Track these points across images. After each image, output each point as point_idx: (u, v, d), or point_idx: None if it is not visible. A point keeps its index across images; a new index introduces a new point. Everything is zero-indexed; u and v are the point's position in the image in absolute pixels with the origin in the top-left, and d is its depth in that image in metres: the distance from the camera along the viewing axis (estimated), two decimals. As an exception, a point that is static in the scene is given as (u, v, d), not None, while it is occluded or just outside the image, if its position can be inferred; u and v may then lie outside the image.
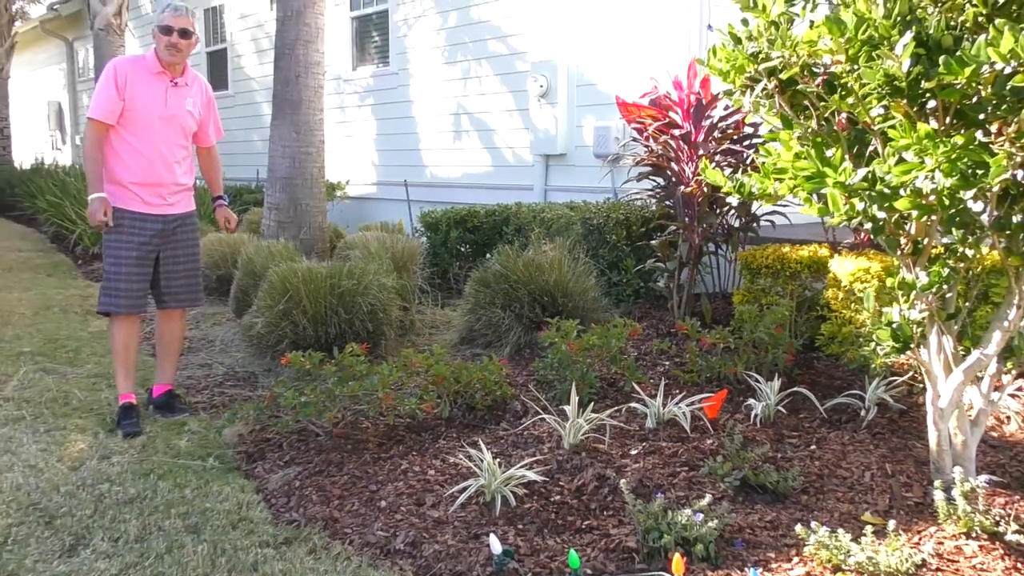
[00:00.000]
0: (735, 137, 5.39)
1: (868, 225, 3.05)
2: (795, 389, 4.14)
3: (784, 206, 5.47)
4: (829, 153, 3.09)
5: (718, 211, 5.46)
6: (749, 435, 3.73)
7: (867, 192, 2.89)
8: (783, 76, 3.09)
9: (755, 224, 5.59)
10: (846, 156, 3.04)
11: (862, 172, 2.92)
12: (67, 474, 3.60)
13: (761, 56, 3.15)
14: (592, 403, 3.98)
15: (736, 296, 5.25)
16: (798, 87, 3.11)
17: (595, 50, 7.63)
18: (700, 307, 5.53)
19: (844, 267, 4.71)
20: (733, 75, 3.36)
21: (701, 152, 5.18)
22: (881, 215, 2.98)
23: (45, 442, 3.99)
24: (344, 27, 10.77)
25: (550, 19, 8.01)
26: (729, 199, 5.54)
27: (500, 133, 8.71)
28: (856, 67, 2.78)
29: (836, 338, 4.66)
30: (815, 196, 3.16)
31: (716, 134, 5.24)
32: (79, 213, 10.30)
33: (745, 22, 3.22)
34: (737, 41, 3.22)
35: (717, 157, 5.24)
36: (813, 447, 3.63)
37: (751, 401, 4.05)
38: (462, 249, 7.13)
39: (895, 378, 4.17)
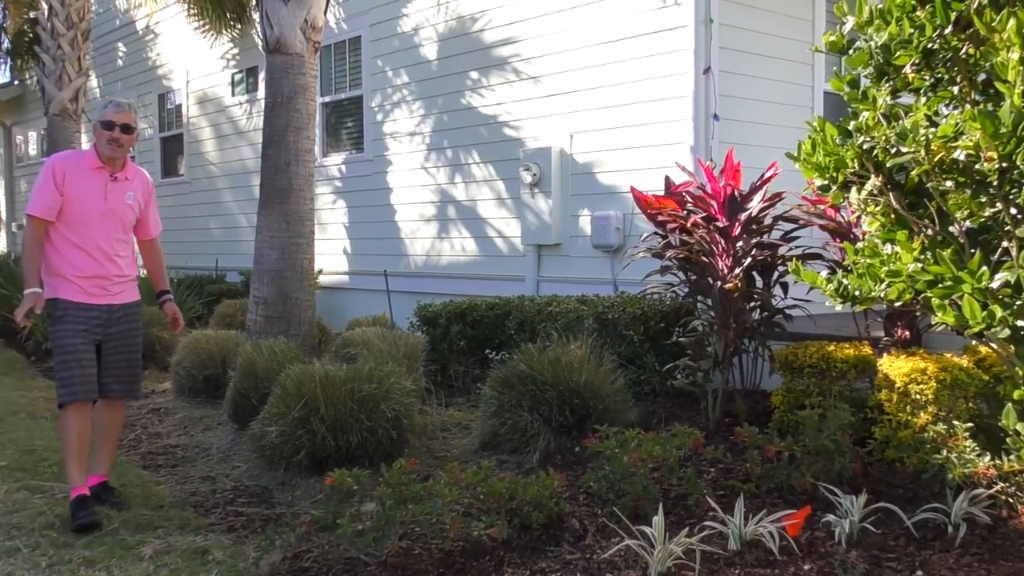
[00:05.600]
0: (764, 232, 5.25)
1: (1005, 333, 2.82)
2: (881, 504, 3.85)
3: (807, 301, 5.33)
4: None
5: (750, 307, 5.27)
6: (842, 558, 3.43)
7: (1013, 300, 2.68)
8: (914, 173, 2.88)
9: (781, 317, 5.40)
10: (983, 261, 2.83)
11: (1000, 277, 2.72)
12: (90, 624, 3.14)
13: (876, 151, 2.95)
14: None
15: (776, 397, 5.00)
16: (927, 184, 2.91)
17: (591, 139, 7.49)
18: (734, 407, 5.28)
19: (896, 367, 4.51)
20: (832, 170, 3.17)
21: (740, 244, 4.98)
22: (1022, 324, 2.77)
23: (53, 581, 3.51)
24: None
25: (543, 107, 7.87)
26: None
27: (489, 222, 8.48)
28: (1006, 164, 2.59)
29: (891, 442, 4.43)
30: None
31: (752, 227, 5.06)
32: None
33: (855, 114, 3.04)
34: (847, 135, 3.03)
35: (754, 251, 5.04)
36: (920, 573, 3.34)
37: (829, 517, 3.76)
38: (461, 344, 6.79)
39: (979, 490, 3.92)
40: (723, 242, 5.05)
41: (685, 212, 5.35)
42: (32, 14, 14.99)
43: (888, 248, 3.09)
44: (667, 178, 5.80)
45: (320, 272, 9.99)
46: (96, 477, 4.57)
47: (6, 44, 18.98)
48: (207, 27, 11.96)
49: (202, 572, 3.63)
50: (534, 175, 7.72)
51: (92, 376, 4.42)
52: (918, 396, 4.37)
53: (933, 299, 2.82)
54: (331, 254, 10.30)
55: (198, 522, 4.24)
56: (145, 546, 3.92)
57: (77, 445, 4.36)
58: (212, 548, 3.88)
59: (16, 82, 19.27)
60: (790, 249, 5.40)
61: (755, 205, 5.04)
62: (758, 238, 5.18)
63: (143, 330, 4.78)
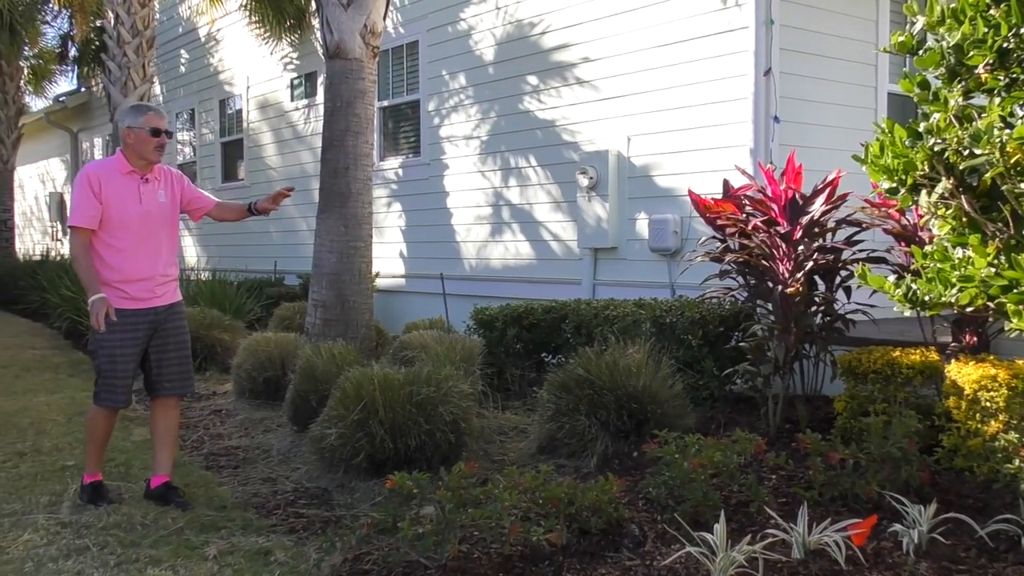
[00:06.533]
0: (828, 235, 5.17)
1: (1084, 340, 2.74)
2: (950, 515, 3.76)
3: (870, 305, 5.22)
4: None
5: (812, 311, 5.18)
6: (911, 569, 3.35)
7: (1093, 305, 2.60)
8: (987, 175, 2.81)
9: (840, 322, 5.30)
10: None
11: (1078, 282, 2.64)
12: (156, 622, 3.18)
13: (948, 153, 2.88)
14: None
15: (839, 403, 4.91)
16: (1001, 187, 2.83)
17: (649, 142, 7.44)
18: (794, 413, 5.20)
19: (965, 373, 4.39)
20: (901, 172, 3.10)
21: (802, 248, 4.91)
22: (1102, 330, 2.69)
23: (121, 580, 3.57)
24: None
25: (600, 110, 7.84)
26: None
27: (545, 225, 8.48)
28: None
29: (960, 451, 4.32)
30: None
31: (814, 231, 4.98)
32: (97, 308, 9.90)
33: (926, 116, 2.97)
34: (916, 136, 2.96)
35: (816, 255, 4.97)
36: (995, 586, 3.25)
37: (896, 526, 3.68)
38: (517, 348, 6.79)
39: (1052, 500, 3.81)
40: (784, 246, 4.98)
41: (744, 215, 5.29)
42: (98, 23, 15.37)
43: (959, 252, 3.02)
44: (726, 181, 5.73)
45: (377, 275, 10.07)
46: (160, 477, 4.71)
47: (73, 52, 19.55)
48: (267, 34, 12.15)
49: (265, 573, 3.66)
50: (591, 178, 7.70)
51: (131, 384, 4.71)
52: (988, 403, 4.26)
53: (1008, 304, 2.74)
54: (388, 257, 10.38)
55: (260, 523, 4.28)
56: (209, 546, 3.97)
57: (102, 440, 4.75)
58: (274, 549, 3.92)
59: (83, 89, 19.79)
60: (853, 253, 5.31)
61: (817, 208, 4.95)
62: (820, 241, 5.09)
63: (188, 329, 4.93)
